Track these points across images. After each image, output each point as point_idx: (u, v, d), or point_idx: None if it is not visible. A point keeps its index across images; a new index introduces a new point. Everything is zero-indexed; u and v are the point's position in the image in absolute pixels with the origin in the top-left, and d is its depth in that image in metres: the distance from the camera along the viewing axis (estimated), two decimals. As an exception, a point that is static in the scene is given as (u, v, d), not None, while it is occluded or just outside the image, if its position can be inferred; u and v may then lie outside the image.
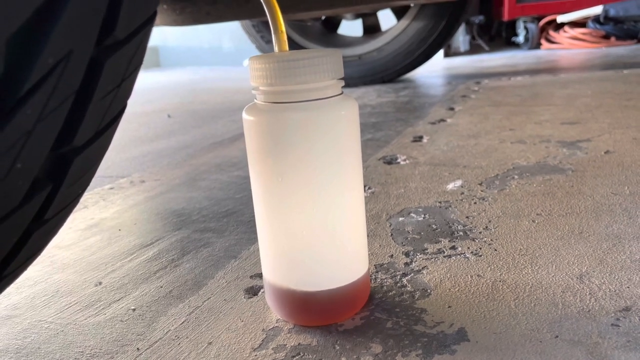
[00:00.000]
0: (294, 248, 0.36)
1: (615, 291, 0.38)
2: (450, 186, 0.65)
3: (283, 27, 0.36)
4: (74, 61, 0.23)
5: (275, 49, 0.36)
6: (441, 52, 2.65)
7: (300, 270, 0.36)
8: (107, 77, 0.26)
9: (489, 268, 0.44)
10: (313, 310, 0.37)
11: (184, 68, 3.48)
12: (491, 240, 0.49)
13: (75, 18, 0.22)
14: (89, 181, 0.31)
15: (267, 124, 0.34)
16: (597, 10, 2.50)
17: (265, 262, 0.38)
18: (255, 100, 0.36)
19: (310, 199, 0.34)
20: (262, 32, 1.86)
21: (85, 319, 0.41)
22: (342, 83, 0.35)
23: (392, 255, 0.48)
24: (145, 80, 2.72)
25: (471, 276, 0.43)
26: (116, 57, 0.26)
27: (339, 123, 0.34)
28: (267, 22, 1.72)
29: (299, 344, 0.36)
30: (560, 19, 2.67)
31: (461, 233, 0.51)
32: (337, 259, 0.36)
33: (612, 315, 0.35)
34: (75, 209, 0.69)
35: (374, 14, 1.90)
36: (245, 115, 0.35)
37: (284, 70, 0.32)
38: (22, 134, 0.23)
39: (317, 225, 0.35)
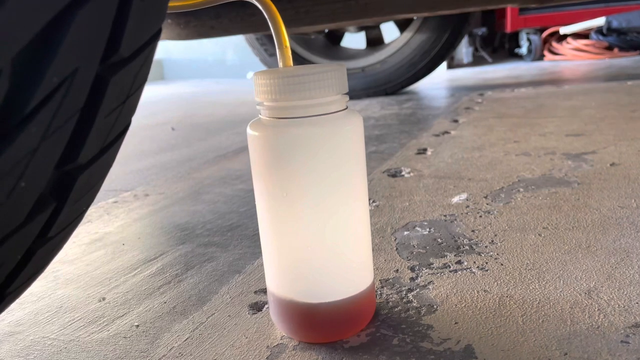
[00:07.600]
0: (298, 260, 0.35)
1: (624, 307, 0.38)
2: (455, 199, 0.65)
3: (287, 42, 0.36)
4: (79, 79, 0.23)
5: (280, 64, 0.36)
6: (444, 64, 2.66)
7: (304, 282, 0.36)
8: (112, 95, 0.26)
9: (495, 283, 0.43)
10: (317, 324, 0.36)
11: (188, 81, 3.50)
12: (497, 254, 0.49)
13: (80, 37, 0.22)
14: (92, 198, 0.31)
15: (272, 140, 0.33)
16: (600, 21, 2.51)
17: (270, 275, 0.37)
18: (259, 115, 0.36)
19: (315, 213, 0.34)
20: (265, 45, 1.87)
21: (89, 336, 0.41)
22: (347, 98, 0.35)
23: (397, 270, 0.47)
24: (149, 93, 2.74)
25: (478, 291, 0.42)
26: (121, 75, 0.26)
27: (343, 138, 0.34)
28: (270, 36, 1.73)
29: (304, 361, 0.35)
30: (563, 30, 2.67)
31: (467, 247, 0.51)
32: (341, 271, 0.36)
33: (622, 331, 0.35)
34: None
35: (377, 27, 1.91)
36: (249, 131, 0.35)
37: (288, 85, 0.32)
38: (27, 152, 0.23)
39: (322, 238, 0.35)
